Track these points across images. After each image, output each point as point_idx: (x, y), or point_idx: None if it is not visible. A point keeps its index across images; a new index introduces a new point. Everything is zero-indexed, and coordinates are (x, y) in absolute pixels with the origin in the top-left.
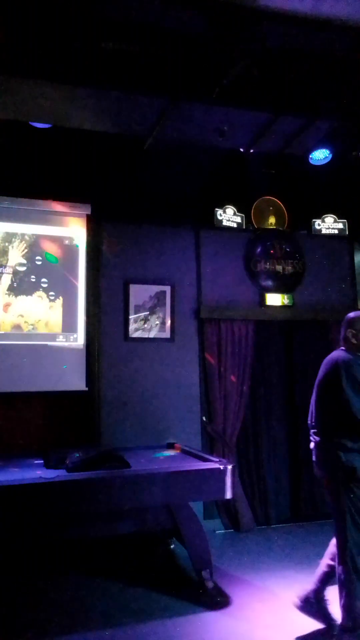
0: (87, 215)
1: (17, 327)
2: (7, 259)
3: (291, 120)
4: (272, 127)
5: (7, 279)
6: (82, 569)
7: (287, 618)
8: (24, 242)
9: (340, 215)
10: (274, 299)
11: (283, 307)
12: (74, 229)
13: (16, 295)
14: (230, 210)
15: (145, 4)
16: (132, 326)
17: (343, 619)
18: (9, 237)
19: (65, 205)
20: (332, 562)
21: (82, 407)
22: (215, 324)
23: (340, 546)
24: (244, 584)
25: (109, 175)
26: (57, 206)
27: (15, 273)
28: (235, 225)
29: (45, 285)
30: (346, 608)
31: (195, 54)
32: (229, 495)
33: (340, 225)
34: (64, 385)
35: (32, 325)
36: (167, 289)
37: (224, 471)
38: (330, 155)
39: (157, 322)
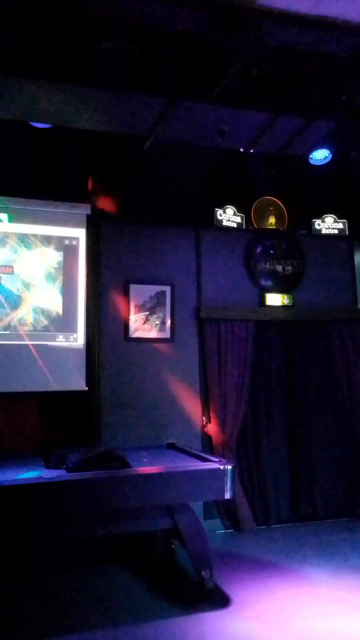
0: (87, 215)
1: (18, 327)
2: (8, 259)
3: (291, 120)
4: (272, 127)
5: (7, 279)
6: (82, 569)
7: (287, 618)
8: (24, 242)
9: (340, 215)
10: (274, 299)
11: (283, 307)
12: (74, 229)
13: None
14: (230, 210)
15: (145, 3)
16: (132, 326)
17: None
18: (9, 237)
19: (65, 205)
20: None
21: (82, 407)
22: (215, 324)
23: None
24: (244, 584)
25: (109, 175)
26: (57, 206)
27: (15, 273)
28: (235, 225)
29: (45, 285)
30: None
31: (195, 54)
32: (229, 495)
33: (340, 225)
34: (64, 385)
35: (32, 325)
36: (167, 289)
37: (224, 471)
38: (330, 155)
39: (157, 322)
